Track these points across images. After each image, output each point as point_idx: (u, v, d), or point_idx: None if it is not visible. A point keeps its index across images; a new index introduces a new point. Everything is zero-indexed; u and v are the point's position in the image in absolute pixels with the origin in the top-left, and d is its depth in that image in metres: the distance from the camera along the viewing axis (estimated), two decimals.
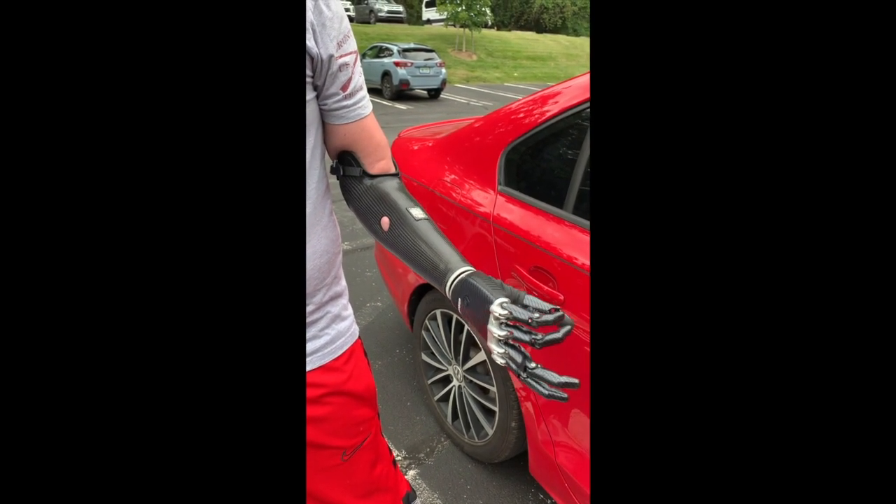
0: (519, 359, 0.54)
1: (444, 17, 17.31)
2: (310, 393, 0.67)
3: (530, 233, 1.17)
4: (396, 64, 9.66)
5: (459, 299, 0.60)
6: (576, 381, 0.51)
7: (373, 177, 0.69)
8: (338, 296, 0.71)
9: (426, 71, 9.84)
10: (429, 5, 21.85)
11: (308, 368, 0.67)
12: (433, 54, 10.28)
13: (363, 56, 10.74)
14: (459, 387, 1.59)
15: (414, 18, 23.48)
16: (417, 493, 1.49)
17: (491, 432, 1.46)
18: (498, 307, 0.55)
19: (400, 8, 20.03)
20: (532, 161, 1.27)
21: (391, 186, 0.69)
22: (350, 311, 0.75)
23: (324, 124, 0.65)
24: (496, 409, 1.42)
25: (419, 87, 9.96)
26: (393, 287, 1.86)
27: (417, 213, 0.67)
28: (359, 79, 0.63)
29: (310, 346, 0.67)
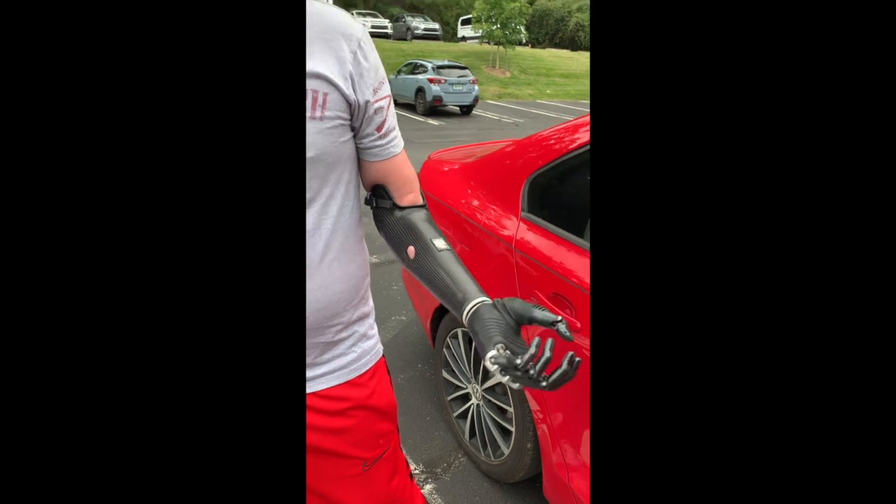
0: (532, 387, 0.58)
1: (479, 34, 17.52)
2: (335, 406, 0.73)
3: (552, 259, 1.20)
4: (430, 80, 9.84)
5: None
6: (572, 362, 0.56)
7: (402, 208, 0.75)
8: (365, 316, 0.77)
9: (459, 88, 9.98)
10: (464, 23, 22.17)
11: (334, 383, 0.73)
12: (466, 71, 10.44)
13: (398, 72, 10.99)
14: (478, 405, 1.63)
15: (449, 35, 23.82)
16: None
17: (507, 452, 1.49)
18: (489, 363, 0.58)
19: (436, 25, 20.36)
20: (555, 189, 1.31)
21: (419, 217, 0.75)
22: (375, 330, 0.80)
23: (359, 160, 0.71)
24: (513, 429, 1.44)
25: (452, 104, 10.12)
26: (417, 303, 1.91)
27: (440, 243, 0.72)
28: (392, 120, 0.70)
29: (337, 363, 0.73)
